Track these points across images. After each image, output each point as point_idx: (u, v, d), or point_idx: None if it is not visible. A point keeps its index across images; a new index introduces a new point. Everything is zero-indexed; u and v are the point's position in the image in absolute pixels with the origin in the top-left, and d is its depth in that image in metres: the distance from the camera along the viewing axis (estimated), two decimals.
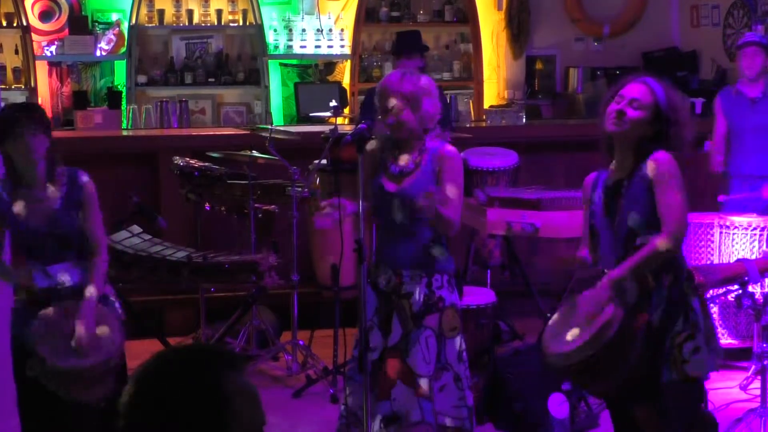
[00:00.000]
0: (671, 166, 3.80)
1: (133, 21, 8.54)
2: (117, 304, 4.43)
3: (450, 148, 4.27)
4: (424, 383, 4.15)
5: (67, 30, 8.52)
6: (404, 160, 4.26)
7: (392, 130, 4.22)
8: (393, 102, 4.17)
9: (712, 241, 6.24)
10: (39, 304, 4.25)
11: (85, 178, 4.35)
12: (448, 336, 4.22)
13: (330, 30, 8.81)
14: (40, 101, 8.40)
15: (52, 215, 4.28)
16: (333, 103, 6.53)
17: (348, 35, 8.90)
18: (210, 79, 8.78)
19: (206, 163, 6.37)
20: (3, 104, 6.92)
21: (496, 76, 9.28)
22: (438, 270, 4.24)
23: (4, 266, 4.36)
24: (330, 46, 8.82)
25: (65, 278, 4.29)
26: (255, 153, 6.23)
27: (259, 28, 8.72)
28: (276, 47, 8.78)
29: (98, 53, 8.54)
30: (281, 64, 8.91)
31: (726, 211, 6.43)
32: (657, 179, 3.79)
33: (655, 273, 3.84)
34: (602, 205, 3.96)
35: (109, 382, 4.15)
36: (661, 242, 3.78)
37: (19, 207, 4.29)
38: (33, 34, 8.41)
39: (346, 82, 8.96)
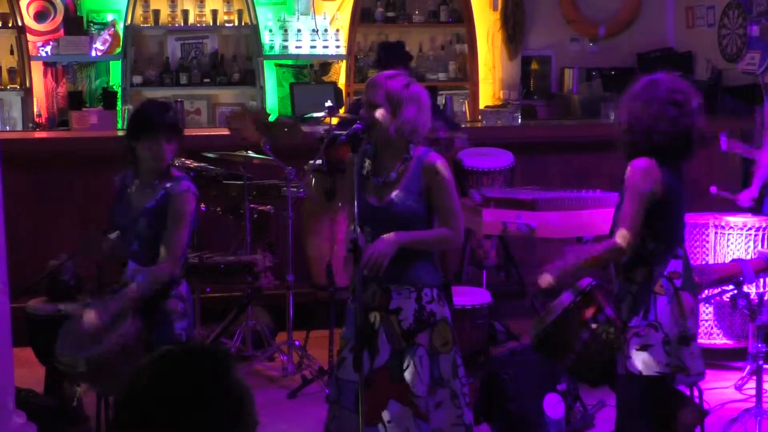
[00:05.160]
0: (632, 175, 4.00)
1: (129, 21, 8.53)
2: (176, 326, 4.37)
3: (436, 157, 4.03)
4: (421, 403, 3.97)
5: (62, 30, 8.51)
6: (386, 170, 4.04)
7: (364, 128, 4.00)
8: (374, 97, 3.98)
9: (708, 241, 6.25)
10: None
11: (182, 188, 4.35)
12: (440, 351, 4.02)
13: (325, 30, 8.81)
14: (35, 101, 8.41)
15: (138, 213, 4.37)
16: (328, 104, 6.53)
17: (343, 36, 8.90)
18: (205, 80, 8.77)
19: (202, 164, 6.37)
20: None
21: (491, 77, 9.28)
22: (427, 284, 4.03)
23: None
24: (325, 47, 8.82)
25: (131, 279, 4.37)
26: (250, 153, 6.23)
27: (255, 29, 8.72)
28: (271, 48, 8.78)
29: (93, 54, 8.53)
30: (277, 65, 8.90)
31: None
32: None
33: (628, 267, 4.04)
34: None
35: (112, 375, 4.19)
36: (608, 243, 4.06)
37: (130, 195, 4.43)
38: (28, 35, 8.40)
39: (341, 82, 8.95)
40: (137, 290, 4.28)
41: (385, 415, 3.96)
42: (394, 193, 4.01)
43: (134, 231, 4.38)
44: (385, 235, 3.93)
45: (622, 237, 3.97)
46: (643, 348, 3.97)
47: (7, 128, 8.31)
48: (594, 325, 4.09)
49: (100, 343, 4.20)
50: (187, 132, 7.93)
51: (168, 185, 4.36)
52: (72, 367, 4.28)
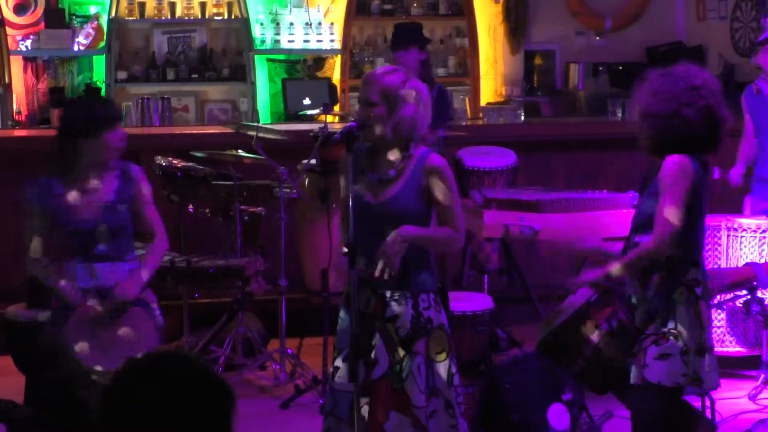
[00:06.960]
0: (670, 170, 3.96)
1: (113, 14, 8.55)
2: (157, 312, 4.64)
3: (438, 158, 4.04)
4: (421, 414, 3.98)
5: (43, 23, 8.53)
6: (383, 167, 4.04)
7: (359, 126, 3.98)
8: (369, 95, 3.97)
9: (720, 245, 6.26)
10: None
11: (137, 170, 4.61)
12: (435, 360, 4.04)
13: (319, 24, 8.83)
14: (14, 98, 8.42)
15: (107, 207, 4.50)
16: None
17: (338, 29, 8.92)
18: (193, 75, 8.79)
19: (190, 163, 6.38)
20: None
21: (493, 72, 9.31)
22: (423, 289, 4.05)
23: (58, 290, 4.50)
24: (319, 41, 8.84)
25: (109, 279, 4.48)
26: (241, 152, 6.24)
27: (245, 22, 8.74)
28: (263, 42, 8.80)
29: (76, 48, 8.55)
30: (268, 60, 8.92)
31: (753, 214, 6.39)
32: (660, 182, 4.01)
33: (643, 272, 4.02)
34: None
35: None
36: (647, 243, 4.02)
37: (72, 198, 4.50)
38: (7, 28, 8.42)
39: (336, 78, 8.97)
40: (148, 274, 4.56)
41: (387, 426, 3.98)
42: (392, 191, 4.02)
43: (99, 232, 4.45)
44: (389, 237, 3.93)
45: (656, 236, 3.96)
46: (662, 357, 3.95)
47: None
48: (605, 330, 4.09)
49: (136, 346, 4.34)
50: (175, 130, 7.98)
51: (118, 173, 4.55)
52: (74, 374, 4.35)
